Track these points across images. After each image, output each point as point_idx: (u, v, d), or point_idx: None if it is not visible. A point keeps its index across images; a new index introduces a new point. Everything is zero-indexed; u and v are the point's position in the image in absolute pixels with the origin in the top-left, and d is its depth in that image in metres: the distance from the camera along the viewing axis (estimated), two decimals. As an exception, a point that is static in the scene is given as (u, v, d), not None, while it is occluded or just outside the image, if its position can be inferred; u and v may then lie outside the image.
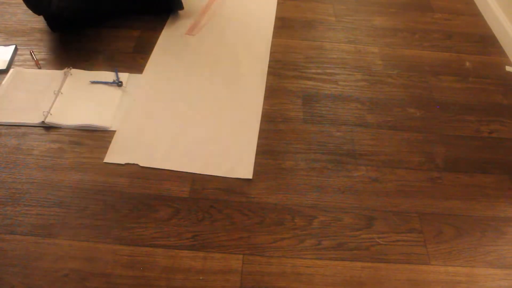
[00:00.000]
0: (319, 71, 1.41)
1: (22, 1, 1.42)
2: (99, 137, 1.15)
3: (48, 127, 1.16)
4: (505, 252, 0.98)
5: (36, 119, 1.16)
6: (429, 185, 1.10)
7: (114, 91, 1.27)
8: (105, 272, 0.89)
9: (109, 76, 1.30)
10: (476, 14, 1.73)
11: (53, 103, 1.20)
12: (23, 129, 1.15)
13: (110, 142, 1.13)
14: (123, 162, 1.08)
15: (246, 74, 1.37)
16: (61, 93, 1.23)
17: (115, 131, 1.16)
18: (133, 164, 1.08)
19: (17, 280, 0.87)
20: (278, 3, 1.68)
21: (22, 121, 1.16)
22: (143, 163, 1.09)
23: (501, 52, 1.55)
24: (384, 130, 1.23)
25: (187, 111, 1.23)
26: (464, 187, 1.11)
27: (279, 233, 0.98)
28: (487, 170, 1.15)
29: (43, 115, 1.16)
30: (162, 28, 1.50)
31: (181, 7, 1.55)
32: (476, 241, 1.00)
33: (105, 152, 1.10)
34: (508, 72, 1.47)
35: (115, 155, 1.10)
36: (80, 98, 1.24)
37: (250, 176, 1.08)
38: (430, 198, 1.07)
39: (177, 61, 1.39)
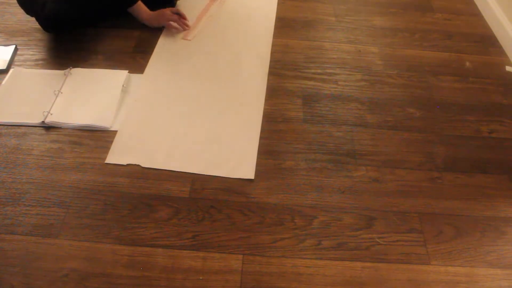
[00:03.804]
0: (319, 71, 1.41)
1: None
2: (99, 137, 1.15)
3: (48, 127, 1.16)
4: (505, 252, 0.98)
5: (36, 119, 1.16)
6: (429, 185, 1.10)
7: (114, 91, 1.27)
8: (105, 272, 0.89)
9: (109, 75, 1.30)
10: (476, 14, 1.73)
11: (53, 103, 1.20)
12: (23, 129, 1.15)
13: (110, 142, 1.13)
14: (125, 163, 1.08)
15: (247, 74, 1.36)
16: (61, 93, 1.23)
17: (115, 131, 1.16)
18: (135, 164, 1.08)
19: (17, 280, 0.87)
20: (278, 3, 1.68)
21: (22, 121, 1.16)
22: (145, 163, 1.08)
23: (501, 52, 1.55)
24: (384, 130, 1.23)
25: (188, 111, 1.23)
26: (464, 187, 1.10)
27: (279, 233, 0.98)
28: (487, 170, 1.15)
29: (43, 115, 1.16)
30: (162, 28, 1.49)
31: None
32: (476, 241, 1.00)
33: (105, 152, 1.10)
34: (508, 72, 1.47)
35: (116, 155, 1.10)
36: (80, 98, 1.24)
37: (252, 177, 1.08)
38: (430, 198, 1.07)
39: (178, 61, 1.38)
